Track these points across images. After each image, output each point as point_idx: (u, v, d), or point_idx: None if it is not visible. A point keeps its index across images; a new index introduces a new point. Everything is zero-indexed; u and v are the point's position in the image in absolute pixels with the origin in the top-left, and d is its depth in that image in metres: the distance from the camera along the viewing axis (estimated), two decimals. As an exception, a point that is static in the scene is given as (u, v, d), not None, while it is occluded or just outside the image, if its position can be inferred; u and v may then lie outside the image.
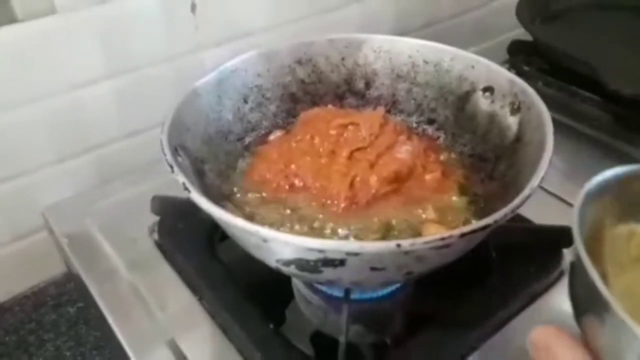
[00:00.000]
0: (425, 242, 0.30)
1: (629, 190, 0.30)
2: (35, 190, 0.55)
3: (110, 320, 0.44)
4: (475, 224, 0.31)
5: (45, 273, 0.59)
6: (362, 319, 0.43)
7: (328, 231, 0.40)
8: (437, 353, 0.40)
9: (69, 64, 0.52)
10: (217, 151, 0.44)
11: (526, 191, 0.33)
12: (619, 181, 0.30)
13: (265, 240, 0.32)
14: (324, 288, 0.44)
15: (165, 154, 0.35)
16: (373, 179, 0.42)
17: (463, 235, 0.30)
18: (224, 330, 0.43)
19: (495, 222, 0.31)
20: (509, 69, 0.69)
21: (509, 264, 0.46)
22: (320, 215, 0.41)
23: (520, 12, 0.69)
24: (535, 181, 0.34)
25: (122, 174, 0.58)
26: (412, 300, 0.45)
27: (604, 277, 0.27)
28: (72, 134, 0.55)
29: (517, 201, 0.32)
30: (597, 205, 0.29)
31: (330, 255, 0.31)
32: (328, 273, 0.33)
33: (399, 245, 0.29)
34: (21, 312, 0.57)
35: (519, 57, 0.71)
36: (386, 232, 0.39)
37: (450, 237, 0.30)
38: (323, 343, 0.44)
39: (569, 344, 0.26)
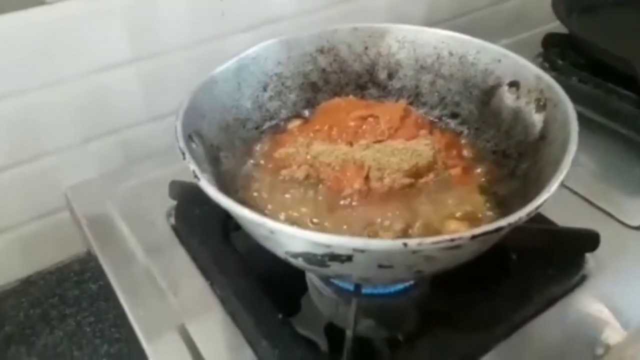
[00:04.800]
0: (434, 242, 0.29)
1: None
2: (59, 170, 0.56)
3: (123, 302, 0.45)
4: (488, 226, 0.30)
5: (70, 250, 0.60)
6: (374, 313, 0.43)
7: (338, 224, 0.40)
8: (448, 352, 0.40)
9: (95, 47, 0.53)
10: (234, 139, 0.44)
11: (543, 195, 0.32)
12: None
13: (272, 232, 0.31)
14: (335, 280, 0.43)
15: (178, 141, 0.35)
16: (390, 173, 0.41)
17: (474, 237, 0.29)
18: (234, 317, 0.43)
19: (509, 225, 0.30)
20: (542, 63, 0.67)
21: (528, 265, 0.45)
22: (334, 207, 0.40)
23: (556, 4, 0.66)
24: (553, 185, 0.32)
25: (145, 157, 0.59)
26: (426, 297, 0.44)
27: None
28: (97, 116, 0.56)
29: (533, 205, 0.31)
30: None
31: (337, 251, 0.30)
32: (336, 267, 0.32)
33: (405, 244, 0.29)
34: (45, 287, 0.59)
35: (553, 50, 0.69)
36: (404, 229, 0.38)
37: (460, 238, 0.29)
38: (336, 335, 0.43)
39: None
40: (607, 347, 0.40)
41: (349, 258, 0.31)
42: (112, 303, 0.58)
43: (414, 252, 0.30)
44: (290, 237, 0.31)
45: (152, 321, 0.43)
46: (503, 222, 0.30)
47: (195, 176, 0.32)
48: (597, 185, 0.54)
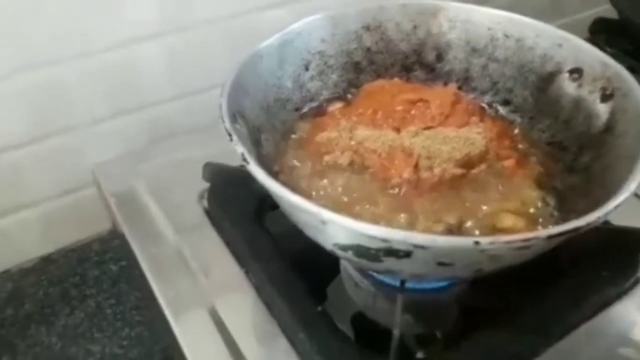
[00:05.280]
0: (507, 242, 0.26)
1: None
2: (86, 145, 0.54)
3: (151, 282, 0.43)
4: (565, 226, 0.27)
5: (91, 229, 0.59)
6: (413, 309, 0.41)
7: (386, 216, 0.37)
8: (495, 353, 0.38)
9: (124, 19, 0.50)
10: (274, 120, 0.41)
11: (623, 192, 0.29)
12: None
13: (324, 223, 0.29)
14: (376, 274, 0.41)
15: (224, 121, 0.32)
16: (440, 162, 0.38)
17: (551, 237, 0.27)
18: (268, 304, 0.41)
19: (588, 224, 0.28)
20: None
21: (579, 266, 0.42)
22: (380, 197, 0.38)
23: (609, -13, 0.62)
24: (632, 182, 0.30)
25: (173, 135, 0.57)
26: (470, 295, 0.42)
27: None
28: (126, 90, 0.54)
29: (612, 204, 0.29)
30: None
31: (395, 246, 0.28)
32: (389, 263, 0.30)
33: (477, 243, 0.26)
34: (66, 265, 0.58)
35: (601, 36, 0.65)
36: (457, 222, 0.35)
37: (536, 238, 0.27)
38: (365, 326, 0.42)
39: None
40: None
41: (407, 254, 0.29)
42: (136, 284, 0.57)
43: (482, 250, 0.27)
44: (343, 228, 0.29)
45: (182, 302, 0.41)
46: (581, 222, 0.28)
47: (244, 159, 0.30)
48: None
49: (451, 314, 0.43)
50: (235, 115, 0.35)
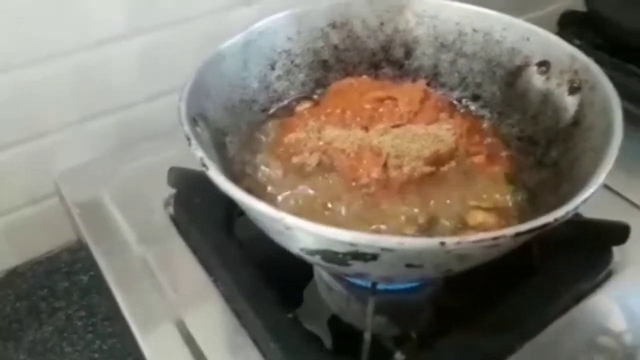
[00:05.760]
0: (475, 241, 0.26)
1: None
2: (52, 153, 0.52)
3: (117, 295, 0.42)
4: (533, 222, 0.27)
5: (59, 239, 0.57)
6: (387, 310, 0.40)
7: (355, 217, 0.36)
8: (469, 353, 0.37)
9: (90, 21, 0.49)
10: (240, 122, 0.40)
11: (591, 186, 0.29)
12: None
13: (288, 228, 0.28)
14: (349, 277, 0.40)
15: (182, 124, 0.31)
16: (409, 161, 0.37)
17: (518, 234, 0.26)
18: (237, 314, 0.40)
19: (556, 220, 0.27)
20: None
21: (552, 259, 0.42)
22: (349, 199, 0.37)
23: (576, -21, 0.62)
24: (601, 175, 0.30)
25: (142, 139, 0.55)
26: (444, 294, 0.41)
27: None
28: (92, 94, 0.52)
29: (580, 198, 0.28)
30: None
31: (362, 250, 0.27)
32: (357, 267, 0.29)
33: (442, 244, 0.25)
34: (33, 278, 0.56)
35: (570, 29, 0.65)
36: (428, 222, 0.35)
37: (503, 236, 0.26)
38: (341, 329, 0.41)
39: None
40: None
41: (374, 257, 0.28)
42: (105, 295, 0.55)
43: (448, 251, 0.27)
44: (307, 233, 0.28)
45: (149, 316, 0.40)
46: (549, 218, 0.27)
47: (203, 164, 0.29)
48: (617, 172, 0.51)
49: (425, 313, 0.42)
50: (196, 118, 0.33)
